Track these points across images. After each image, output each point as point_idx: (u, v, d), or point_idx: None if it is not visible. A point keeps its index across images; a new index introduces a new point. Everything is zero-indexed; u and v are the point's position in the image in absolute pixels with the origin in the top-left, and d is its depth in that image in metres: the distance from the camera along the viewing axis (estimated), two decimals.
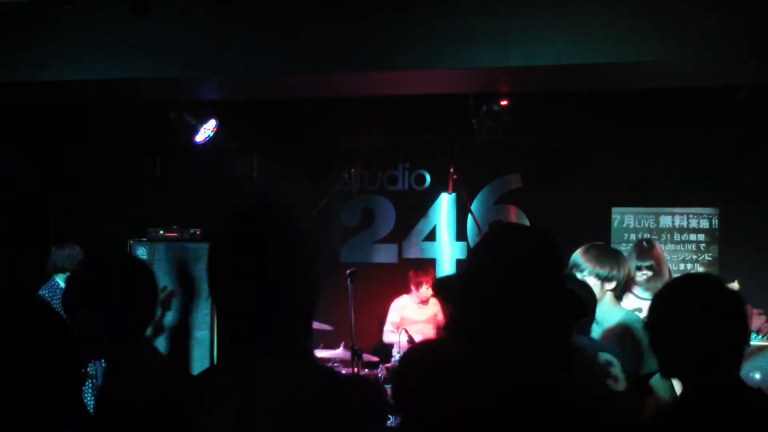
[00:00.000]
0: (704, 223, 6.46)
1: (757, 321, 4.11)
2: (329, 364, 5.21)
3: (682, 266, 6.36)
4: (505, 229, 1.59)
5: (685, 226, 6.48)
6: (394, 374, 4.27)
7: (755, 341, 4.27)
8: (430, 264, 7.03)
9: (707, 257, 6.42)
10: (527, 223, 6.88)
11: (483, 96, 5.85)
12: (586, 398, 1.69)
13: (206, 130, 6.30)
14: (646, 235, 6.23)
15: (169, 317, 5.92)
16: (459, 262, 7.19)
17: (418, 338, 5.33)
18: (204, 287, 6.17)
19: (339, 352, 5.54)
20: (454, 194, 6.99)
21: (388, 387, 4.79)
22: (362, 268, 5.79)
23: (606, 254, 3.10)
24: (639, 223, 6.53)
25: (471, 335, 1.48)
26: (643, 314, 4.00)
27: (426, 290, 6.27)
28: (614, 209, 6.54)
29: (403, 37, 4.71)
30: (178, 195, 7.02)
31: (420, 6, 4.71)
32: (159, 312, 5.78)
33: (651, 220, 6.52)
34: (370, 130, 6.71)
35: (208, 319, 6.07)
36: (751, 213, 6.40)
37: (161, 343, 5.78)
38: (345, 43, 4.78)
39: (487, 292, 1.45)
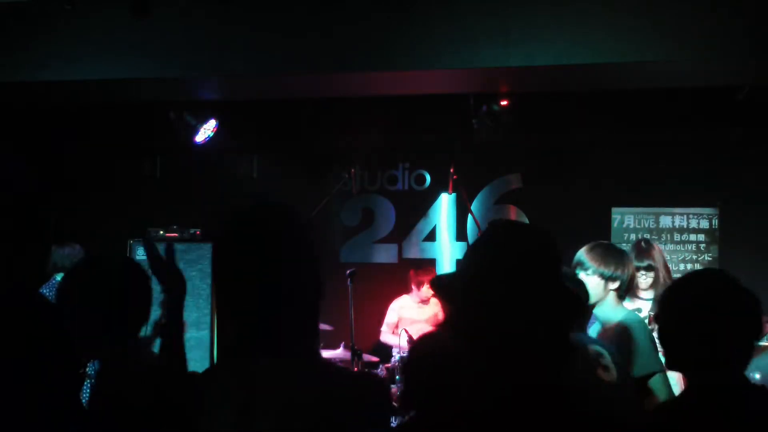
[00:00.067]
0: (704, 223, 6.45)
1: None
2: None
3: (682, 266, 6.35)
4: (504, 227, 1.58)
5: (685, 227, 6.47)
6: (402, 372, 4.25)
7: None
8: (430, 264, 7.02)
9: (707, 257, 6.42)
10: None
11: (483, 96, 5.85)
12: (586, 398, 1.69)
13: (206, 130, 6.29)
14: (646, 236, 6.21)
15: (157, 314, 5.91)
16: (459, 262, 7.17)
17: None
18: (203, 286, 6.17)
19: (339, 352, 5.54)
20: (454, 194, 6.98)
21: (392, 386, 4.80)
22: (362, 268, 5.79)
23: (611, 254, 3.06)
24: (639, 224, 6.52)
25: (471, 335, 1.48)
26: (644, 314, 4.01)
27: (427, 290, 6.25)
28: (614, 209, 6.53)
29: (403, 37, 4.71)
30: (178, 195, 7.02)
31: (420, 6, 4.71)
32: (159, 312, 5.77)
33: (651, 220, 6.52)
34: (370, 130, 6.70)
35: (208, 319, 6.06)
36: (751, 213, 6.40)
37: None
38: (345, 43, 4.78)
39: (486, 292, 1.45)
